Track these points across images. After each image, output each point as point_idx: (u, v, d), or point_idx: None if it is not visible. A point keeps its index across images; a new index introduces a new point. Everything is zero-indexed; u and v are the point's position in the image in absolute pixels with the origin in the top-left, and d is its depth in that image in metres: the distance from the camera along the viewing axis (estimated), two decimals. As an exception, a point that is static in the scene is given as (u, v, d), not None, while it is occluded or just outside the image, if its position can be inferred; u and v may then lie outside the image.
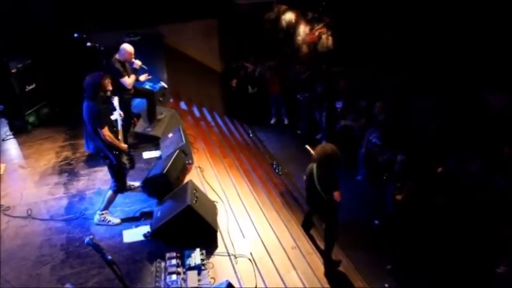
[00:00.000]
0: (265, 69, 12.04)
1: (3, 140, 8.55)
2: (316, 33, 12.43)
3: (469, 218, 6.54)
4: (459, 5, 7.83)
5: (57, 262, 5.16)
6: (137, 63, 7.27)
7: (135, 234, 5.57)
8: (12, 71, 8.56)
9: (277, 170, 9.64)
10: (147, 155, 7.61)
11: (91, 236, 3.49)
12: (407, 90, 9.06)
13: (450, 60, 8.19)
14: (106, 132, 5.34)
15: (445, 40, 8.24)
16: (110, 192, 5.74)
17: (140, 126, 8.15)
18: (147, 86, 9.23)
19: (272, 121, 12.49)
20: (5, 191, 6.80)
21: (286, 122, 12.28)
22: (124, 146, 5.67)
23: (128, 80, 7.12)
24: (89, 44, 8.43)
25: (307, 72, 11.45)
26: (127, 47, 7.21)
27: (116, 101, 5.90)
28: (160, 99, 9.07)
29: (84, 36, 8.34)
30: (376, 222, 7.96)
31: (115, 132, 5.58)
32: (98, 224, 5.72)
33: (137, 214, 5.95)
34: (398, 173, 7.36)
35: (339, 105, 10.35)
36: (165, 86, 9.33)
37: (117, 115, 5.84)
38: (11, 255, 5.27)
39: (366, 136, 8.62)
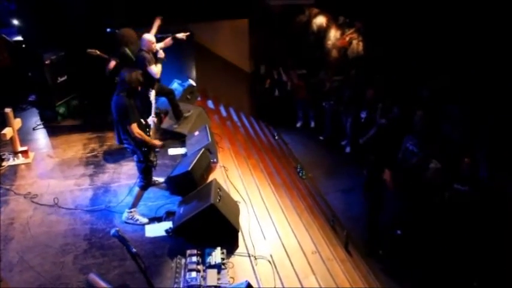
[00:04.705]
0: (293, 75, 12.08)
1: (33, 129, 8.75)
2: (347, 38, 12.41)
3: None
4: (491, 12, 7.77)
5: (80, 251, 5.26)
6: (161, 53, 7.31)
7: (157, 229, 5.63)
8: (46, 62, 8.75)
9: (300, 174, 9.64)
10: (172, 151, 7.67)
11: (117, 228, 3.55)
12: (441, 98, 9.00)
13: (481, 66, 8.14)
14: (135, 129, 5.33)
15: (478, 45, 8.18)
16: (137, 189, 5.77)
17: (167, 123, 8.23)
18: (176, 83, 9.36)
19: (298, 124, 12.51)
20: (33, 179, 6.98)
21: (312, 125, 12.27)
22: (156, 142, 5.65)
23: (155, 69, 7.10)
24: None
25: (333, 83, 11.43)
26: (146, 36, 7.23)
27: (152, 95, 5.95)
28: (188, 97, 9.17)
29: (117, 31, 8.47)
30: (398, 232, 7.90)
31: (146, 128, 5.61)
32: (126, 222, 5.74)
33: (160, 210, 6.01)
34: (429, 179, 7.35)
35: (363, 115, 10.31)
36: (194, 84, 9.44)
37: (153, 109, 5.90)
38: (36, 242, 5.40)
39: (403, 144, 8.55)
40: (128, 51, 7.53)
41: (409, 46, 10.04)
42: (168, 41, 7.66)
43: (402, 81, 10.13)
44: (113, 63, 7.61)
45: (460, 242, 6.72)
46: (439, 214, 7.09)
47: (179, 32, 7.86)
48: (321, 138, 11.66)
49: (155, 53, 7.28)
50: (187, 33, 7.81)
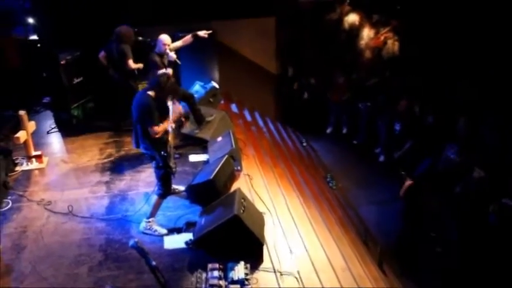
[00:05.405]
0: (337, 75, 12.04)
1: (47, 133, 8.93)
2: (382, 38, 12.30)
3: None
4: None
5: (95, 263, 5.32)
6: (172, 55, 7.43)
7: (176, 241, 5.65)
8: (61, 62, 8.92)
9: (330, 184, 9.58)
10: (193, 158, 7.72)
11: (136, 239, 3.58)
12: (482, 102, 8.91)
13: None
14: (157, 129, 5.38)
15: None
16: (155, 198, 5.81)
17: (188, 128, 8.28)
18: (198, 85, 9.42)
19: (328, 130, 12.44)
20: (47, 185, 7.13)
21: (345, 131, 12.20)
22: (176, 113, 5.75)
23: None
24: (140, 38, 8.71)
25: (372, 80, 11.37)
26: (162, 37, 7.43)
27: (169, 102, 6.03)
28: (211, 99, 9.22)
29: (136, 30, 8.61)
30: (438, 249, 7.78)
31: (164, 133, 5.66)
32: (143, 233, 5.78)
33: (180, 220, 6.05)
34: (474, 191, 7.25)
35: (397, 127, 10.22)
36: (217, 86, 9.49)
37: (171, 114, 5.98)
38: (50, 252, 5.49)
39: (444, 152, 8.45)
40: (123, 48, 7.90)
41: (448, 46, 9.93)
42: (188, 38, 7.78)
43: (438, 85, 10.02)
44: (102, 54, 8.20)
45: (508, 262, 6.60)
46: (484, 230, 6.98)
47: (201, 30, 7.95)
48: (354, 142, 11.59)
49: (168, 56, 7.41)
50: (209, 31, 7.88)
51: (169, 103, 6.07)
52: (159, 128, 5.42)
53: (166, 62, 7.47)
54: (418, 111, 9.97)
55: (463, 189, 7.48)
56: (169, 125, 5.77)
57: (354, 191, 9.77)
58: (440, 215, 7.75)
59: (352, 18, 12.99)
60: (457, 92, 9.54)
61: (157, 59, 7.34)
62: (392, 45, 12.05)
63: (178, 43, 7.80)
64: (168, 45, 7.42)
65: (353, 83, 11.93)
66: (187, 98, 7.99)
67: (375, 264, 7.36)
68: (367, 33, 12.67)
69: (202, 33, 7.78)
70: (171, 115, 5.89)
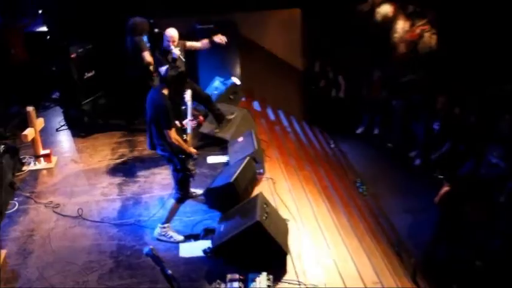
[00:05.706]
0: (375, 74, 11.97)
1: (56, 130, 9.02)
2: (418, 31, 12.17)
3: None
4: None
5: (105, 271, 5.34)
6: (175, 52, 7.42)
7: (193, 248, 5.66)
8: (72, 55, 8.95)
9: (361, 190, 9.50)
10: (212, 159, 7.73)
11: (150, 246, 3.57)
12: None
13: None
14: (173, 134, 5.39)
15: None
16: (172, 202, 5.82)
17: (207, 127, 8.27)
18: (217, 81, 9.43)
19: (359, 130, 12.32)
20: (55, 186, 7.20)
21: (376, 131, 12.08)
22: (193, 150, 5.71)
23: None
24: (156, 30, 8.74)
25: (408, 76, 11.26)
26: (168, 32, 7.45)
27: (188, 95, 6.02)
28: (231, 97, 9.21)
29: (152, 21, 8.64)
30: (478, 263, 7.65)
31: (182, 132, 5.67)
32: (158, 239, 5.79)
33: (198, 226, 6.04)
34: None
35: (436, 126, 10.08)
36: (238, 82, 9.48)
37: (189, 111, 5.98)
38: (58, 258, 5.54)
39: (486, 156, 8.28)
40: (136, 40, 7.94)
41: (490, 40, 9.77)
42: (206, 43, 7.81)
43: (479, 81, 9.88)
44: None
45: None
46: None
47: (222, 23, 7.91)
48: (389, 145, 11.47)
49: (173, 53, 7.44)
50: (225, 39, 7.83)
51: (187, 99, 6.09)
52: (176, 136, 5.44)
53: (170, 59, 7.46)
54: (459, 110, 9.80)
55: (509, 198, 7.31)
56: (188, 124, 5.79)
57: (386, 198, 9.65)
58: (480, 226, 7.59)
59: (385, 9, 12.86)
60: (500, 88, 9.39)
61: (159, 55, 7.35)
62: (430, 38, 11.91)
63: (197, 44, 7.84)
64: (174, 41, 7.42)
65: (387, 79, 11.81)
66: (204, 101, 8.00)
67: (408, 277, 7.26)
68: (401, 25, 12.54)
69: (218, 39, 7.76)
70: (189, 111, 5.90)
